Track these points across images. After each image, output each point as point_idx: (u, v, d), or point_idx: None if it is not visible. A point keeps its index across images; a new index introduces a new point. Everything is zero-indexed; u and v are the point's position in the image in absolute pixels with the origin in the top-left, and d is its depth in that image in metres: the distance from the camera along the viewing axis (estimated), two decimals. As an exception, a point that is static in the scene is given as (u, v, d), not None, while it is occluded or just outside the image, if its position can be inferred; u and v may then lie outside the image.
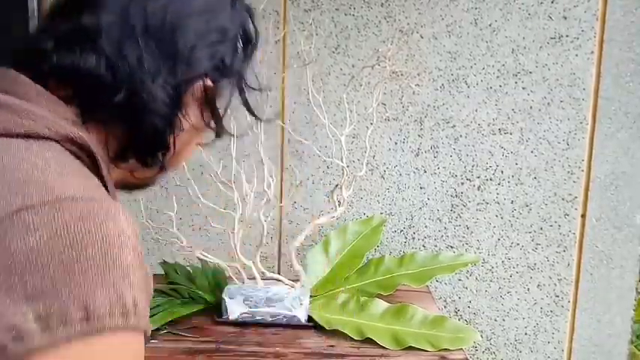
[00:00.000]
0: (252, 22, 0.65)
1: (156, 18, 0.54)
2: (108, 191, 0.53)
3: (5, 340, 0.38)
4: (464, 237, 1.58)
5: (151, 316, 0.93)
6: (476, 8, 1.49)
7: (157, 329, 1.18)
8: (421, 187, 1.57)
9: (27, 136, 0.48)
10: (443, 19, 1.50)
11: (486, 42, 1.51)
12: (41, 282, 0.39)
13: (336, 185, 1.41)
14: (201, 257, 1.32)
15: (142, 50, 0.53)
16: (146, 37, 0.54)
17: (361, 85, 1.53)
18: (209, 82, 0.59)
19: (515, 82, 1.52)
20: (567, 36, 1.49)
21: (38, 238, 0.40)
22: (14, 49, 0.55)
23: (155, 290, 1.26)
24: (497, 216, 1.57)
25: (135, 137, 0.55)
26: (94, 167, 0.52)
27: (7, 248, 0.39)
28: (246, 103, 0.65)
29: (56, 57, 0.52)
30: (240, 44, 0.63)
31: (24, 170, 0.45)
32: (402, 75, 1.53)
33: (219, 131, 0.66)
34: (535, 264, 1.57)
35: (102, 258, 0.42)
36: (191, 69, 0.56)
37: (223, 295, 1.28)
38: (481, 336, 1.50)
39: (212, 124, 0.64)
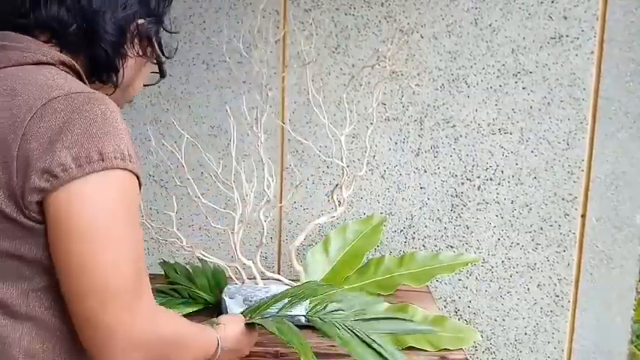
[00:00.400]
0: None
1: None
2: None
3: (41, 181, 0.64)
4: (464, 237, 1.58)
5: None
6: (476, 8, 1.50)
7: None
8: (421, 187, 1.57)
9: (33, 63, 0.71)
10: (443, 18, 1.51)
11: (486, 42, 1.51)
12: (72, 138, 0.64)
13: (336, 185, 1.42)
14: (201, 257, 1.32)
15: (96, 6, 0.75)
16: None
17: (361, 85, 1.53)
18: (141, 21, 0.80)
19: (516, 82, 1.52)
20: (567, 36, 1.49)
21: (63, 116, 0.65)
22: None
23: (155, 290, 1.26)
24: (497, 216, 1.57)
25: (94, 60, 0.77)
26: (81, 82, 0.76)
27: (48, 123, 0.65)
28: (159, 44, 0.85)
29: (33, 12, 0.74)
30: None
31: (42, 80, 0.69)
32: (402, 75, 1.53)
33: (160, 64, 0.87)
34: (535, 264, 1.57)
35: (105, 124, 0.66)
36: (126, 10, 0.77)
37: (223, 295, 1.28)
38: (481, 336, 1.51)
39: (153, 57, 0.84)
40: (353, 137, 1.54)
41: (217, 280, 1.38)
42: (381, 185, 1.57)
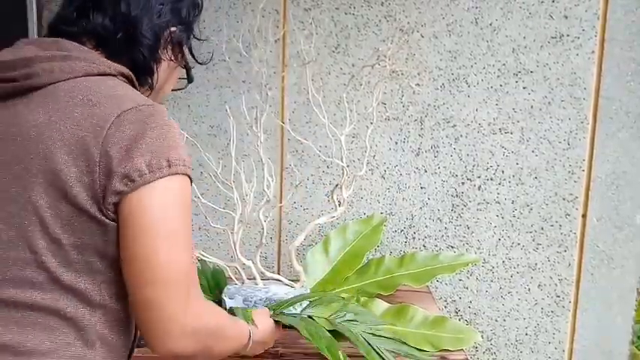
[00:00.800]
0: None
1: None
2: None
3: (121, 185, 0.73)
4: (464, 237, 1.58)
5: None
6: (476, 7, 1.49)
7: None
8: (422, 187, 1.57)
9: (98, 74, 0.79)
10: (443, 18, 1.50)
11: (487, 41, 1.51)
12: (145, 147, 0.74)
13: (336, 185, 1.42)
14: (201, 257, 1.31)
15: (129, 6, 0.83)
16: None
17: (361, 85, 1.53)
18: (173, 28, 0.88)
19: (516, 82, 1.52)
20: (568, 35, 1.49)
21: (136, 126, 0.75)
22: (49, 24, 0.86)
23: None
24: (497, 216, 1.56)
25: (134, 63, 0.85)
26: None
27: (123, 133, 0.74)
28: (190, 50, 0.94)
29: (80, 21, 0.83)
30: (198, 1, 0.93)
31: (111, 92, 0.78)
32: (402, 74, 1.53)
33: (188, 70, 0.95)
34: (536, 264, 1.57)
35: (169, 135, 0.76)
36: (160, 18, 0.86)
37: (223, 296, 1.28)
38: (482, 336, 1.48)
39: (183, 62, 0.93)
40: (353, 137, 1.53)
41: (217, 281, 1.37)
42: (382, 185, 1.57)
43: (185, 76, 0.98)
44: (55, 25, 0.85)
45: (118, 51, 0.84)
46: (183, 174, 0.76)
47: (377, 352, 1.05)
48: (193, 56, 0.95)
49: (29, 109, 0.76)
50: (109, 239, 0.75)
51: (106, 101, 0.76)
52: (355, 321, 1.12)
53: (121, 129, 0.74)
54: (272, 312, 1.08)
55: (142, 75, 0.87)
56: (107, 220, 0.74)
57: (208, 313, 0.83)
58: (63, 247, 0.74)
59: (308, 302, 1.14)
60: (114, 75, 0.81)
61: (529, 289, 1.58)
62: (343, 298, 1.21)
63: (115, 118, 0.75)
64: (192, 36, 0.93)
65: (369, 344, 1.06)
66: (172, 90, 0.97)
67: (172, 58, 0.90)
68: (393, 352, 1.08)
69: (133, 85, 0.85)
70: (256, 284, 1.32)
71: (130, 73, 0.84)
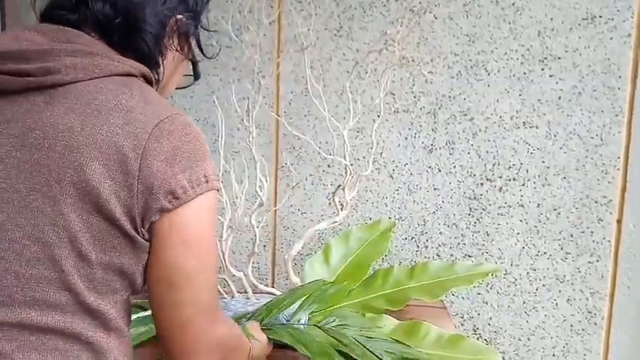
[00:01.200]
0: None
1: None
2: None
3: (165, 202, 0.74)
4: (483, 245, 1.55)
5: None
6: (497, -16, 1.51)
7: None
8: (435, 188, 1.54)
9: (124, 74, 0.80)
10: (459, -4, 1.52)
11: (509, 23, 1.47)
12: (185, 163, 0.76)
13: (338, 186, 1.41)
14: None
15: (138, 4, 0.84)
16: None
17: (367, 73, 1.50)
18: (180, 16, 0.87)
19: (542, 69, 1.48)
20: (601, 17, 1.45)
21: (174, 138, 0.76)
22: (43, 10, 0.84)
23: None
24: (521, 221, 1.53)
25: (138, 54, 0.84)
26: None
27: (162, 145, 0.75)
28: (198, 42, 0.92)
29: (79, 8, 0.82)
30: None
31: (147, 97, 0.78)
32: (413, 61, 1.50)
33: (194, 64, 0.94)
34: (564, 275, 1.54)
35: (202, 147, 0.79)
36: (165, 4, 0.85)
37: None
38: (503, 358, 1.45)
39: (189, 54, 0.91)
40: (357, 132, 1.52)
41: None
42: (390, 186, 1.55)
43: (188, 73, 0.98)
44: (51, 10, 0.84)
45: (121, 42, 0.83)
46: (216, 188, 0.80)
47: (373, 354, 1.09)
48: (201, 49, 0.94)
49: (53, 111, 0.74)
50: (136, 257, 0.77)
51: (141, 108, 0.76)
52: (345, 325, 1.19)
53: (160, 140, 0.75)
54: (260, 320, 1.16)
55: (147, 67, 0.87)
56: (139, 237, 0.76)
57: (229, 326, 0.89)
58: (91, 265, 0.75)
59: (298, 305, 1.21)
60: (136, 76, 0.82)
61: (557, 304, 1.55)
62: (331, 286, 1.29)
63: (154, 128, 0.75)
64: (200, 26, 0.92)
65: (364, 347, 1.11)
66: (176, 88, 0.97)
67: (179, 49, 0.89)
68: (388, 352, 1.12)
69: (151, 84, 0.86)
70: (248, 298, 1.32)
71: (149, 72, 0.85)
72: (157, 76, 0.88)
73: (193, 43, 0.92)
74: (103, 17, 0.82)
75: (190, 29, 0.89)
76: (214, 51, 1.00)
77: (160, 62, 0.87)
